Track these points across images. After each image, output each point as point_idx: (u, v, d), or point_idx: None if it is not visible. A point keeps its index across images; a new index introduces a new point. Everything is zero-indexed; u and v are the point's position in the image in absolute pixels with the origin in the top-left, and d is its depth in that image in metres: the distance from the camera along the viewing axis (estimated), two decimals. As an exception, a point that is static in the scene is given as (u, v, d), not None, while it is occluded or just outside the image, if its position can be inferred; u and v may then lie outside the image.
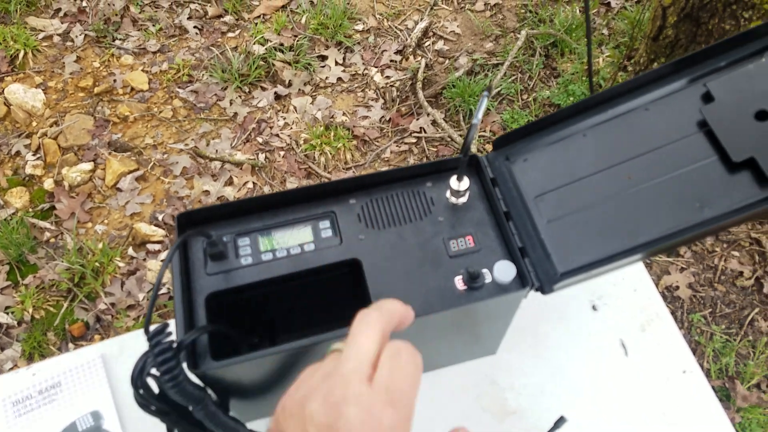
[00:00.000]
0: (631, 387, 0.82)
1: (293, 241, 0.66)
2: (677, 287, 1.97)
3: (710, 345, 1.86)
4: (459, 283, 0.62)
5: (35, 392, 0.88)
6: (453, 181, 0.65)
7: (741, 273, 1.99)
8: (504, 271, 0.62)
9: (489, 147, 2.31)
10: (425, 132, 2.34)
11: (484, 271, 0.63)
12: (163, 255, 2.06)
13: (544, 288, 0.60)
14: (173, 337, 0.55)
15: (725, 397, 1.77)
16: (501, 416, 0.78)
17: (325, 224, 0.67)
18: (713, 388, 1.76)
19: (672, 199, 0.59)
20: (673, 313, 1.90)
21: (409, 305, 0.44)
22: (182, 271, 0.63)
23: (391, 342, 0.39)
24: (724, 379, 1.82)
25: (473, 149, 2.21)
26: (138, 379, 0.55)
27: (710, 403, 0.79)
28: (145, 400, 0.57)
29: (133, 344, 0.89)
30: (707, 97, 0.61)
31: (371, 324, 0.39)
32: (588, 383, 0.82)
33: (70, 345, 1.90)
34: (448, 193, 0.67)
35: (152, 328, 0.53)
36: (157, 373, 0.55)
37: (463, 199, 0.67)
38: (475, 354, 0.82)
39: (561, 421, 0.71)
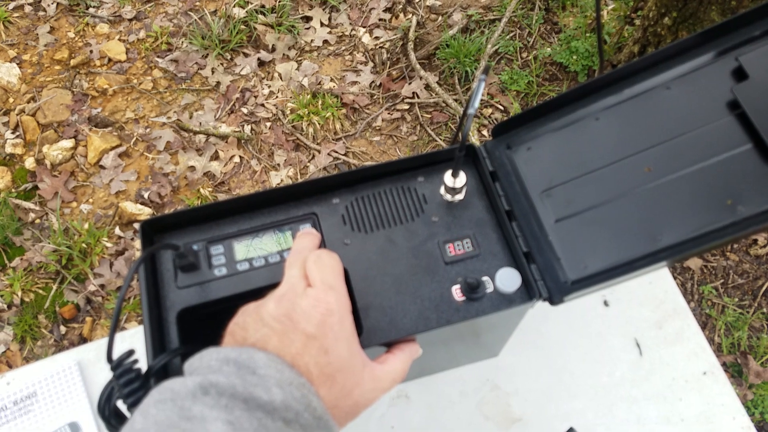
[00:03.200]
0: (646, 390, 0.75)
1: (271, 248, 0.59)
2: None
3: (722, 318, 1.80)
4: (457, 293, 0.55)
5: (10, 403, 0.86)
6: (447, 177, 0.57)
7: (755, 241, 1.91)
8: (507, 279, 0.54)
9: (486, 111, 2.21)
10: (418, 97, 2.24)
11: (485, 279, 0.56)
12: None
13: (554, 299, 0.53)
14: (142, 362, 0.50)
15: (737, 373, 1.72)
16: (505, 425, 0.72)
17: (306, 228, 0.60)
18: (724, 363, 1.71)
19: (699, 195, 0.51)
20: (682, 285, 1.84)
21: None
22: (149, 286, 0.57)
23: (312, 253, 0.48)
24: (737, 354, 1.76)
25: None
26: (105, 409, 0.51)
27: (734, 408, 0.73)
28: (118, 430, 0.52)
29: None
30: (739, 74, 0.52)
31: (293, 263, 0.48)
32: (599, 387, 0.76)
33: (62, 327, 1.88)
34: (442, 190, 0.60)
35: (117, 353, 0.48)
36: (124, 405, 0.49)
37: (460, 197, 0.59)
38: (475, 358, 0.76)
39: None
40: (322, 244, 0.59)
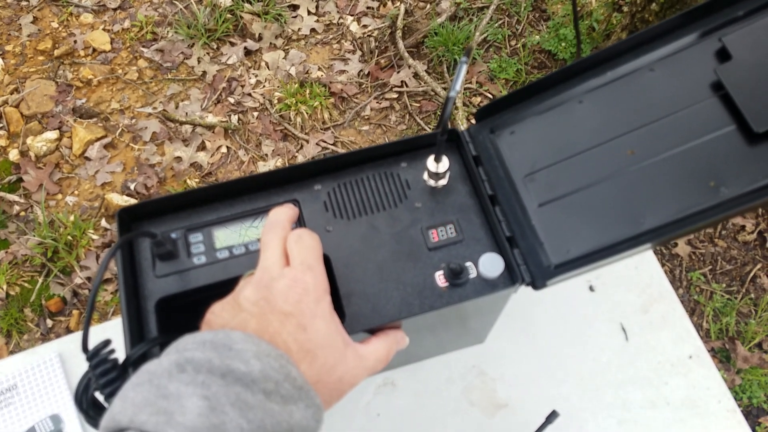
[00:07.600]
0: (632, 374, 0.75)
1: (252, 236, 0.58)
2: (675, 244, 1.90)
3: (710, 304, 1.81)
4: (440, 279, 0.55)
5: (-9, 396, 0.84)
6: (430, 162, 0.57)
7: (743, 227, 1.92)
8: (490, 264, 0.54)
9: (475, 100, 2.21)
10: (407, 86, 2.23)
11: (468, 264, 0.55)
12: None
13: (536, 283, 0.53)
14: (119, 352, 0.49)
15: (725, 358, 1.74)
16: (490, 411, 0.72)
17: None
18: (712, 349, 1.72)
19: (682, 177, 0.50)
20: (671, 271, 1.85)
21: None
22: (127, 274, 0.56)
23: (292, 231, 0.48)
24: (724, 340, 1.77)
25: (456, 114, 2.11)
26: (82, 400, 0.51)
27: (719, 391, 0.73)
28: (96, 421, 0.51)
29: (91, 340, 0.83)
30: (723, 55, 0.51)
31: (268, 242, 0.47)
32: (585, 372, 0.76)
33: (48, 321, 1.87)
34: (425, 175, 0.59)
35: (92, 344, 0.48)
36: (101, 396, 0.49)
37: (443, 182, 0.58)
38: (461, 344, 0.75)
39: (553, 415, 0.66)
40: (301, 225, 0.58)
